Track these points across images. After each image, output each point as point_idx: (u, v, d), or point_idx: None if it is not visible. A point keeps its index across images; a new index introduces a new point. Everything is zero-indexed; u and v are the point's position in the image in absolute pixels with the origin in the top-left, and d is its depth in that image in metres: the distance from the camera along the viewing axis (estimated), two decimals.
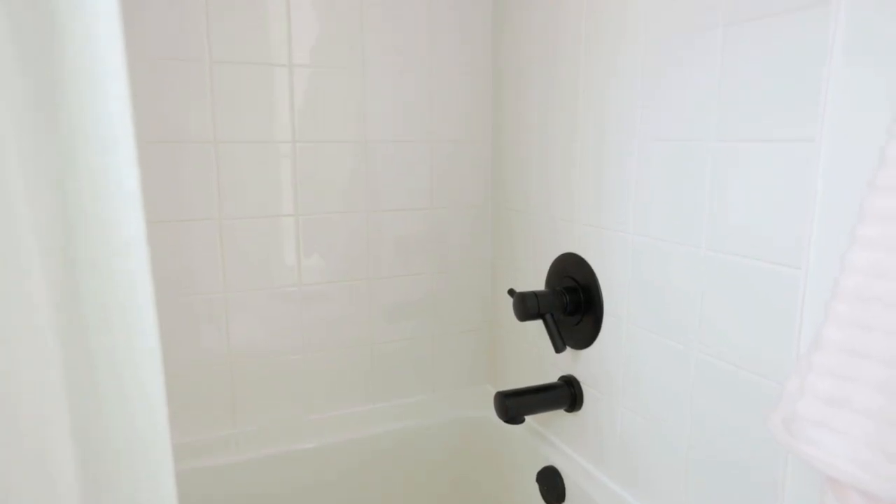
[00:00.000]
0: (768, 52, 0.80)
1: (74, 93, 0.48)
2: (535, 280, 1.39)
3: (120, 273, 0.50)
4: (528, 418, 1.42)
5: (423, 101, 1.45)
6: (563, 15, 1.22)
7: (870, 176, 0.64)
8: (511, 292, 1.26)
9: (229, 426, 1.38)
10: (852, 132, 0.71)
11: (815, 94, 0.74)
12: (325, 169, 1.38)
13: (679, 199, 0.96)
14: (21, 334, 0.48)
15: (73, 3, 0.46)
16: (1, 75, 0.44)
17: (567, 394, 1.24)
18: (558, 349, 1.19)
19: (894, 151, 0.54)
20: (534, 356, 1.42)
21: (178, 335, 1.31)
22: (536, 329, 1.40)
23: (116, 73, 0.47)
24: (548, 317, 1.20)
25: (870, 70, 0.68)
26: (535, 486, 1.34)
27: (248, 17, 1.27)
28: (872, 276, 0.56)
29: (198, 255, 1.30)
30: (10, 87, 0.46)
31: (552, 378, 1.33)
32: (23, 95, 0.46)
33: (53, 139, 0.48)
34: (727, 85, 0.86)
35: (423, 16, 1.42)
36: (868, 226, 0.57)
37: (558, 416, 1.32)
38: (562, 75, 1.23)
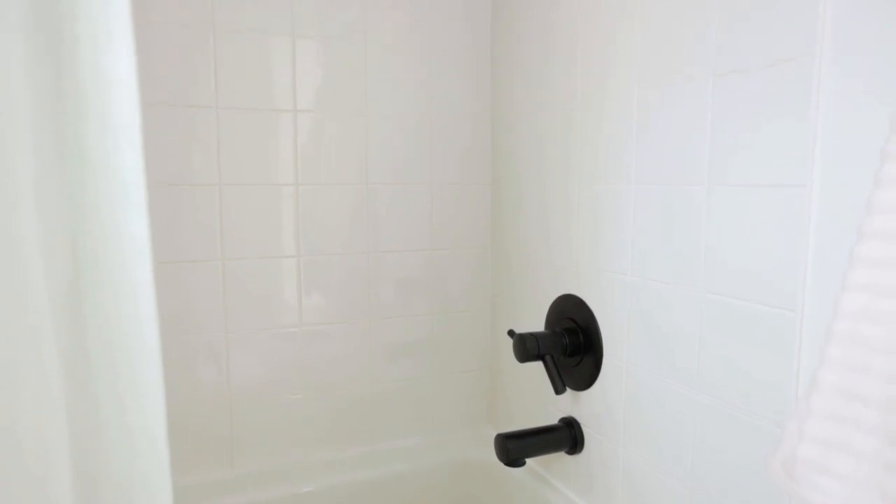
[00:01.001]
0: (756, 100, 0.83)
1: (89, 143, 0.50)
2: (534, 321, 1.39)
3: (127, 317, 0.51)
4: (528, 461, 1.41)
5: (424, 145, 1.48)
6: (558, 63, 1.26)
7: (859, 221, 0.66)
8: (511, 333, 1.26)
9: (227, 467, 1.37)
10: (842, 178, 0.73)
11: (803, 141, 0.77)
12: (326, 211, 1.41)
13: (675, 242, 0.98)
14: (27, 374, 0.48)
15: (90, 60, 0.48)
16: (19, 129, 0.46)
17: (568, 436, 1.23)
18: (558, 391, 1.19)
19: (879, 200, 0.56)
20: (534, 398, 1.42)
21: (179, 374, 1.31)
22: (536, 370, 1.40)
23: (131, 124, 0.49)
24: (548, 358, 1.21)
25: (856, 119, 0.71)
26: None
27: (255, 65, 1.31)
28: (863, 321, 0.57)
29: (200, 295, 1.31)
30: (27, 140, 0.48)
31: (553, 420, 1.32)
32: (40, 147, 0.48)
33: (67, 188, 0.50)
34: (719, 131, 0.89)
35: (423, 63, 1.46)
36: (857, 271, 0.58)
37: (559, 459, 1.31)
38: (557, 121, 1.27)
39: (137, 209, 0.49)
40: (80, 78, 0.49)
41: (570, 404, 1.27)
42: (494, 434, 1.58)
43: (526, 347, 1.20)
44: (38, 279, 0.49)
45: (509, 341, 1.53)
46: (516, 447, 1.20)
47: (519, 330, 1.47)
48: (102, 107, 0.50)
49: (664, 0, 0.98)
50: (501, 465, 1.44)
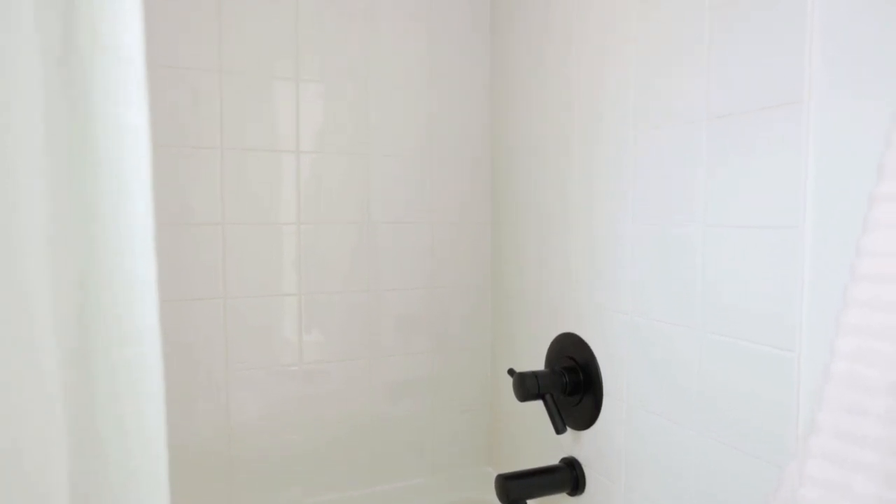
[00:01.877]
0: (749, 143, 0.85)
1: (101, 189, 0.51)
2: (535, 360, 1.39)
3: (133, 361, 0.51)
4: (529, 502, 1.39)
5: (425, 184, 1.51)
6: (556, 106, 1.29)
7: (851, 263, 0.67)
8: (511, 372, 1.27)
9: None
10: (835, 220, 0.74)
11: (796, 183, 0.79)
12: (327, 249, 1.42)
13: (673, 281, 0.99)
14: (32, 418, 0.49)
15: (104, 110, 0.50)
16: (33, 172, 0.48)
17: (569, 476, 1.22)
18: (559, 430, 1.18)
19: (867, 243, 0.58)
20: (535, 437, 1.41)
21: (179, 412, 1.31)
22: (537, 409, 1.40)
23: (142, 172, 0.50)
24: (548, 397, 1.20)
25: (846, 161, 0.73)
26: None
27: (260, 108, 1.34)
28: (859, 362, 0.58)
29: (202, 333, 1.32)
30: (41, 184, 0.49)
31: (553, 460, 1.31)
32: (53, 193, 0.49)
33: (77, 234, 0.51)
34: (714, 173, 0.91)
35: (424, 103, 1.50)
36: (851, 312, 0.59)
37: (561, 500, 1.29)
38: (554, 161, 1.29)
39: (146, 254, 0.51)
40: (94, 127, 0.51)
41: (572, 444, 1.26)
42: (495, 474, 1.56)
43: (526, 386, 1.20)
44: (45, 323, 0.50)
45: (509, 380, 1.52)
46: (517, 488, 1.19)
47: (519, 368, 1.47)
48: (114, 154, 0.51)
49: (658, 44, 1.01)
50: None
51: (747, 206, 0.86)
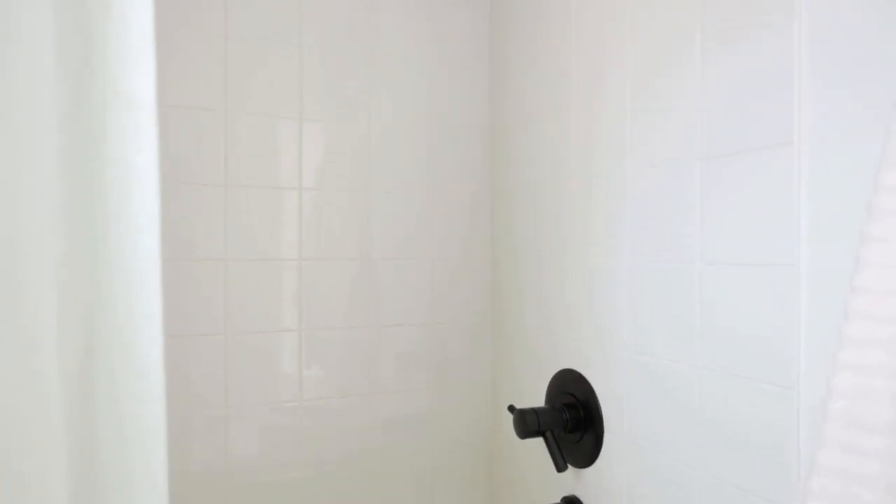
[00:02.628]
0: (742, 182, 0.87)
1: (111, 227, 0.53)
2: (535, 396, 1.39)
3: (137, 394, 0.52)
4: None
5: (425, 220, 1.53)
6: (553, 144, 1.32)
7: (845, 301, 0.68)
8: (511, 409, 1.26)
9: None
10: (828, 257, 0.76)
11: (789, 221, 0.80)
12: (328, 285, 1.43)
13: (671, 317, 1.00)
14: (35, 454, 0.49)
15: (116, 151, 0.52)
16: (47, 213, 0.49)
17: None
18: (560, 468, 1.17)
19: (859, 281, 0.59)
20: (535, 475, 1.39)
21: (177, 448, 1.29)
22: (537, 447, 1.39)
23: (150, 211, 0.52)
24: (548, 434, 1.20)
25: (838, 200, 0.74)
26: None
27: (264, 146, 1.37)
28: (857, 400, 0.59)
29: (202, 368, 1.32)
30: (54, 224, 0.51)
31: (554, 499, 1.29)
32: (65, 232, 0.51)
33: (85, 270, 0.53)
34: (708, 211, 0.93)
35: (424, 143, 1.53)
36: (847, 350, 0.60)
37: None
38: (552, 198, 1.32)
39: (153, 291, 0.52)
40: (105, 169, 0.53)
41: (573, 482, 1.25)
42: None
43: (526, 423, 1.19)
44: (50, 355, 0.51)
45: (510, 416, 1.51)
46: None
47: (520, 405, 1.46)
48: (123, 195, 0.53)
49: (652, 86, 1.04)
50: None
51: (743, 244, 0.87)
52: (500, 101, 1.55)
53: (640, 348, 1.06)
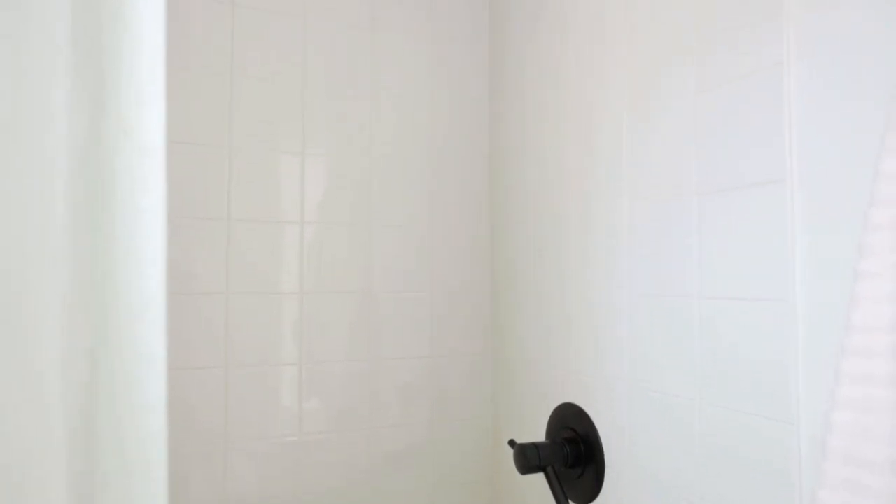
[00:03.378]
0: (738, 218, 0.88)
1: (118, 267, 0.54)
2: (536, 430, 1.38)
3: (140, 427, 0.52)
4: None
5: (425, 253, 1.54)
6: (552, 180, 1.34)
7: (841, 338, 0.69)
8: (511, 443, 1.25)
9: None
10: (823, 292, 0.77)
11: (784, 256, 0.81)
12: (329, 319, 1.43)
13: (671, 352, 1.00)
14: (38, 490, 0.49)
15: (125, 196, 0.53)
16: (58, 253, 0.51)
17: None
18: None
19: (855, 318, 0.60)
20: None
21: (175, 481, 1.28)
22: (539, 482, 1.37)
23: (157, 253, 0.53)
24: (549, 469, 1.19)
25: (830, 237, 0.76)
26: None
27: (267, 181, 1.39)
28: (855, 438, 0.59)
29: (202, 402, 1.31)
30: (64, 265, 0.52)
31: None
32: (74, 272, 0.52)
33: (92, 308, 0.54)
34: (705, 246, 0.94)
35: (425, 177, 1.55)
36: (844, 388, 0.60)
37: None
38: (552, 232, 1.33)
39: (157, 328, 0.53)
40: (114, 208, 0.54)
41: None
42: None
43: (526, 458, 1.18)
44: (54, 390, 0.51)
45: (510, 451, 1.50)
46: None
47: (520, 439, 1.45)
48: (131, 234, 0.54)
49: (648, 123, 1.06)
50: None
51: (740, 279, 0.88)
52: (500, 135, 1.58)
53: (640, 382, 1.06)
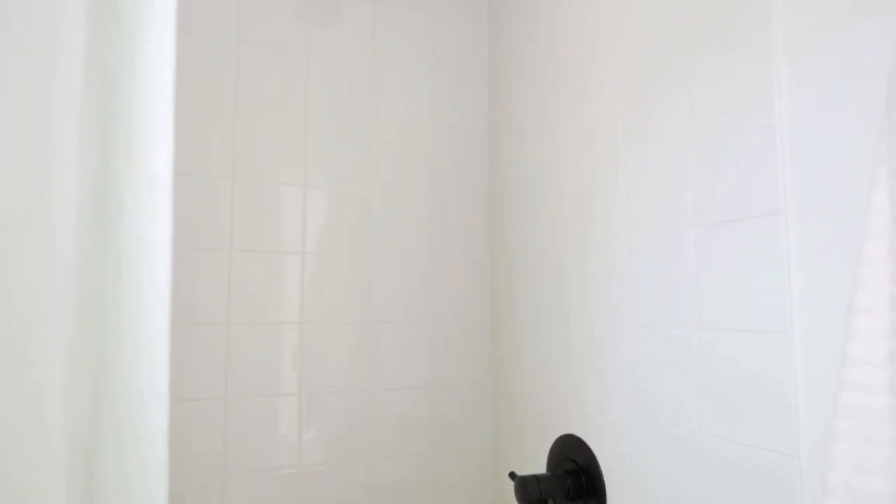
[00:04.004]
0: (734, 250, 0.89)
1: (123, 300, 0.55)
2: (537, 462, 1.37)
3: (141, 458, 0.53)
4: None
5: (425, 283, 1.55)
6: (551, 211, 1.35)
7: (839, 370, 0.69)
8: (512, 476, 1.24)
9: None
10: (821, 325, 0.77)
11: (780, 289, 0.82)
12: (329, 349, 1.44)
13: (671, 383, 1.00)
14: None
15: (133, 230, 0.55)
16: (68, 286, 0.51)
17: None
18: None
19: (851, 351, 0.60)
20: None
21: None
22: None
23: (163, 287, 0.54)
24: (550, 502, 1.18)
25: (826, 270, 0.77)
26: None
27: (268, 212, 1.41)
28: (855, 472, 0.59)
29: (201, 432, 1.31)
30: (71, 298, 0.53)
31: None
32: (81, 304, 0.53)
33: (97, 341, 0.54)
34: (703, 278, 0.95)
35: (425, 207, 1.57)
36: (842, 421, 0.61)
37: None
38: (552, 262, 1.34)
39: (160, 361, 0.53)
40: (121, 241, 0.55)
41: None
42: None
43: (527, 491, 1.17)
44: (57, 422, 0.52)
45: (511, 483, 1.49)
46: None
47: (521, 471, 1.43)
48: (137, 267, 0.55)
49: (644, 158, 1.08)
50: None
51: (738, 311, 0.89)
52: (500, 168, 1.60)
53: (641, 414, 1.06)
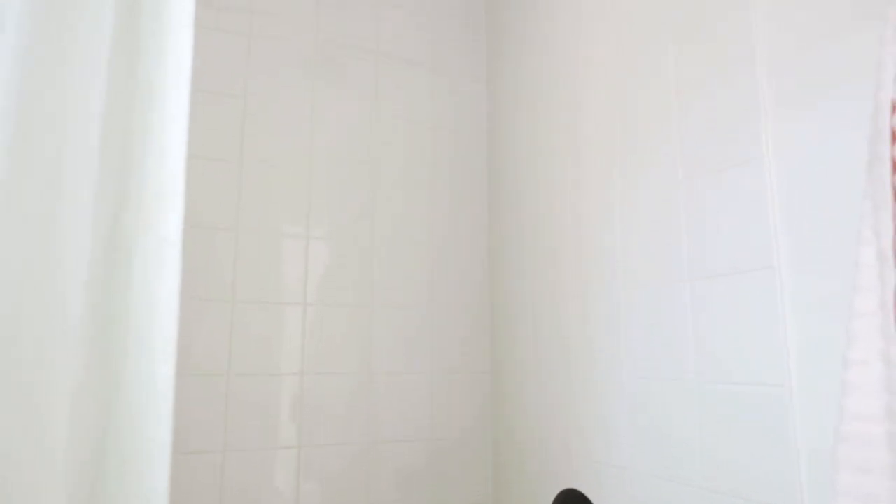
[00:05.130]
0: (731, 303, 0.91)
1: (129, 358, 0.56)
2: None
3: None
4: None
5: (425, 335, 1.55)
6: (551, 261, 1.37)
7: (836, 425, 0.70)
8: None
9: None
10: (818, 380, 0.78)
11: (777, 342, 0.83)
12: (329, 400, 1.43)
13: (670, 440, 1.00)
14: None
15: (141, 284, 0.56)
16: (77, 344, 0.53)
17: None
18: None
19: (848, 406, 0.61)
20: None
21: None
22: None
23: (167, 346, 0.55)
24: None
25: (822, 324, 0.78)
26: None
27: (271, 262, 1.43)
28: None
29: (197, 487, 1.28)
30: (73, 352, 0.54)
31: None
32: (87, 364, 0.54)
33: (101, 398, 0.55)
34: (700, 331, 0.96)
35: (425, 258, 1.59)
36: (842, 476, 0.61)
37: None
38: (551, 313, 1.35)
39: (164, 418, 0.54)
40: (130, 297, 0.57)
41: None
42: None
43: None
44: (60, 474, 0.52)
45: None
46: None
47: None
48: (145, 322, 0.56)
49: (640, 212, 1.11)
50: None
51: (735, 365, 0.89)
52: (499, 221, 1.63)
53: (642, 468, 1.05)
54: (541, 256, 1.42)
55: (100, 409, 0.54)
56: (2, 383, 0.50)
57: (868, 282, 0.62)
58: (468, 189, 1.68)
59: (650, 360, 1.05)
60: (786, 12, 0.87)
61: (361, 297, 1.50)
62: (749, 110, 0.90)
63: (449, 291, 1.60)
